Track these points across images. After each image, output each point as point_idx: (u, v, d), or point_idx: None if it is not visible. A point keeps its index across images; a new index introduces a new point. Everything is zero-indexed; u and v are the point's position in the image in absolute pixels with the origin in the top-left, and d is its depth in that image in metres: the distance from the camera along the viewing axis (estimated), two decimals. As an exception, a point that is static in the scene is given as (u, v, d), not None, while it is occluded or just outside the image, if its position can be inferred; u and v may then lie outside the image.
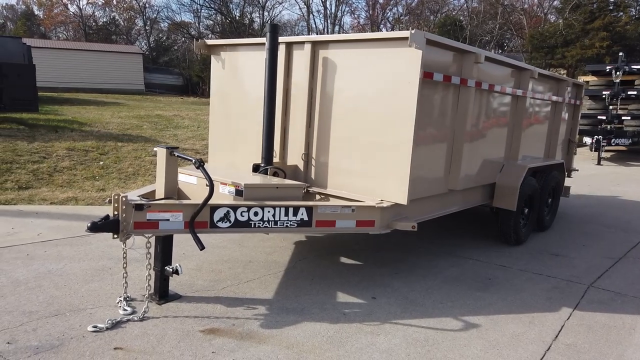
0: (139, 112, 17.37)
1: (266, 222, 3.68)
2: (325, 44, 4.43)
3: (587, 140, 15.19)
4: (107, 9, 50.47)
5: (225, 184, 3.91)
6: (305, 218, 3.77)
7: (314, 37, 4.78)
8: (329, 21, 47.42)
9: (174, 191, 3.82)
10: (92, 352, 3.02)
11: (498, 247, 5.75)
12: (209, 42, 5.37)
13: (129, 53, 34.65)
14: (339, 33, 41.01)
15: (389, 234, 4.17)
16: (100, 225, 3.29)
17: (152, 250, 3.60)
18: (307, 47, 4.46)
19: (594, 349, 3.44)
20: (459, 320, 3.76)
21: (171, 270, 3.68)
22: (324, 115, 4.49)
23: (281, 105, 4.68)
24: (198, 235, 3.48)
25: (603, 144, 14.82)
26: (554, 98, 6.49)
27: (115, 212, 3.35)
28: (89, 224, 3.26)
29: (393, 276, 4.61)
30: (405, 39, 3.74)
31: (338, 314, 3.75)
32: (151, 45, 48.66)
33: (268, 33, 4.39)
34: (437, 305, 4.03)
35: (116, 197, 3.35)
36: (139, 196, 3.83)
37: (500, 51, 41.76)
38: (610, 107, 15.56)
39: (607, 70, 15.78)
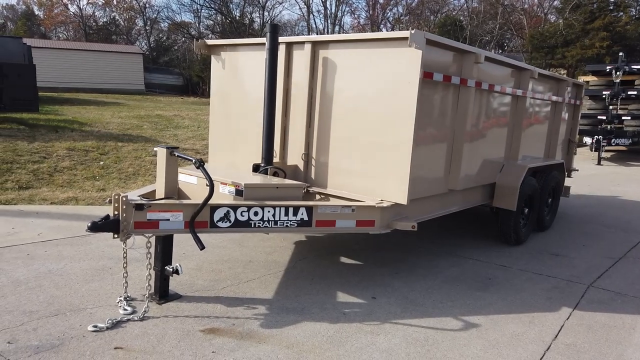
0: (139, 112, 17.38)
1: (266, 222, 3.68)
2: (325, 44, 4.43)
3: (587, 140, 15.20)
4: (107, 9, 50.53)
5: (226, 184, 3.92)
6: (305, 218, 3.77)
7: (314, 37, 4.79)
8: (329, 21, 47.45)
9: (174, 191, 3.82)
10: (93, 352, 3.02)
11: (498, 247, 5.76)
12: (209, 42, 5.37)
13: (129, 53, 34.66)
14: (339, 33, 41.01)
15: (389, 233, 4.18)
16: (101, 225, 3.29)
17: (152, 250, 3.60)
18: (307, 47, 4.47)
19: (594, 349, 3.44)
20: (459, 320, 3.76)
21: (171, 270, 3.69)
22: (324, 115, 4.49)
23: (281, 106, 4.69)
24: (198, 235, 3.49)
25: (603, 144, 14.82)
26: (554, 98, 6.49)
27: (116, 212, 3.36)
28: (89, 224, 3.26)
29: (393, 276, 4.61)
30: (405, 39, 3.75)
31: (338, 314, 3.75)
32: (151, 45, 48.68)
33: (268, 33, 4.39)
34: (437, 305, 4.03)
35: (116, 197, 3.35)
36: (139, 196, 3.83)
37: (500, 51, 41.77)
38: (611, 107, 15.56)
39: (607, 70, 15.78)
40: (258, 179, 4.25)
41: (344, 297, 4.09)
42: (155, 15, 51.01)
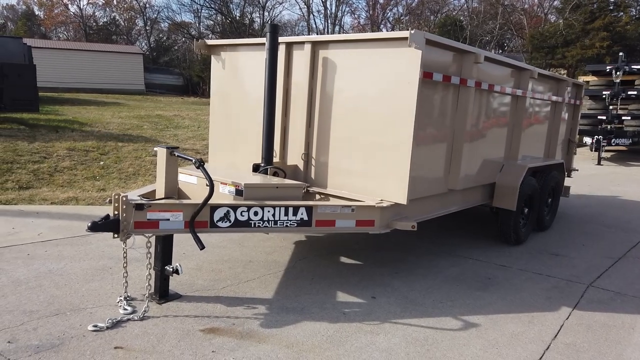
0: (140, 112, 17.39)
1: (266, 222, 3.69)
2: (325, 44, 4.44)
3: (587, 140, 15.20)
4: (107, 9, 50.57)
5: (226, 184, 3.92)
6: (305, 218, 3.78)
7: (314, 37, 4.79)
8: (329, 21, 47.46)
9: (174, 191, 3.83)
10: (93, 351, 3.03)
11: (498, 246, 5.76)
12: (209, 42, 5.37)
13: (129, 53, 34.67)
14: (339, 33, 41.01)
15: (388, 233, 4.18)
16: (101, 225, 3.29)
17: (152, 249, 3.61)
18: (307, 47, 4.47)
19: (593, 348, 3.45)
20: (459, 320, 3.77)
21: (171, 269, 3.69)
22: (324, 115, 4.50)
23: (281, 105, 4.69)
24: (198, 234, 3.49)
25: (603, 144, 14.83)
26: (554, 98, 6.49)
27: (116, 212, 3.36)
28: (89, 224, 3.27)
29: (393, 276, 4.62)
30: (405, 39, 3.75)
31: (338, 314, 3.76)
32: (151, 46, 48.69)
33: (268, 33, 4.39)
34: (437, 304, 4.04)
35: (116, 196, 3.36)
36: (139, 196, 3.84)
37: (500, 51, 41.76)
38: (611, 107, 15.57)
39: (607, 70, 15.79)
40: (258, 178, 4.26)
41: (344, 296, 4.09)
42: (155, 15, 51.12)
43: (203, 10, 47.21)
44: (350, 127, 4.34)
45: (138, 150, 9.96)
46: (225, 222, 3.60)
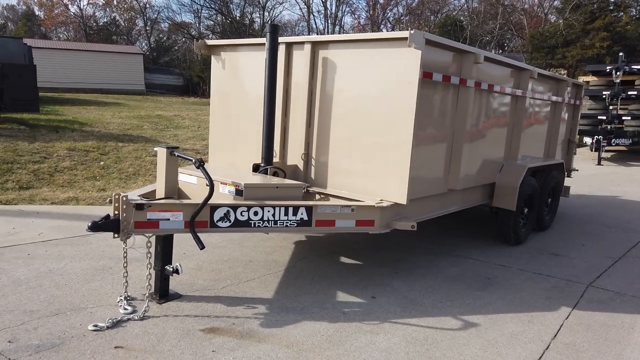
0: (140, 112, 17.40)
1: (266, 222, 3.69)
2: (325, 44, 4.44)
3: (588, 140, 15.20)
4: (107, 9, 50.58)
5: (226, 184, 3.93)
6: (305, 218, 3.78)
7: (314, 37, 4.80)
8: (329, 21, 47.47)
9: (174, 191, 3.84)
10: (93, 351, 3.03)
11: (498, 246, 5.77)
12: (210, 42, 5.38)
13: (129, 53, 34.67)
14: (339, 33, 41.02)
15: (388, 233, 4.19)
16: (101, 225, 3.30)
17: (152, 249, 3.61)
18: (307, 47, 4.48)
19: (593, 348, 3.45)
20: (458, 320, 3.77)
21: (171, 269, 3.70)
22: (323, 115, 4.50)
23: (281, 105, 4.70)
24: (198, 234, 3.50)
25: (603, 144, 14.83)
26: (554, 98, 6.50)
27: (116, 212, 3.37)
28: (89, 224, 3.28)
29: (393, 275, 4.62)
30: (405, 39, 3.76)
31: (338, 313, 3.76)
32: (152, 46, 48.71)
33: (268, 33, 4.40)
34: (437, 304, 4.04)
35: (117, 196, 3.36)
36: (139, 196, 3.85)
37: (500, 51, 41.76)
38: (611, 107, 15.56)
39: (608, 70, 15.79)
40: (258, 178, 4.26)
41: (344, 296, 4.10)
42: (155, 15, 51.12)
43: (203, 11, 47.29)
44: (350, 127, 4.34)
45: (138, 151, 9.97)
46: (225, 222, 3.61)
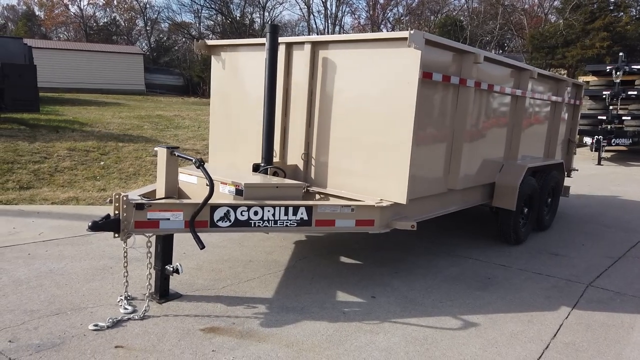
0: (140, 112, 17.40)
1: (266, 222, 3.70)
2: (324, 44, 4.45)
3: (588, 140, 15.21)
4: (107, 9, 50.60)
5: (226, 184, 3.93)
6: (305, 217, 3.79)
7: (314, 37, 4.81)
8: (329, 21, 47.46)
9: (174, 191, 3.84)
10: (93, 351, 3.04)
11: (498, 246, 5.77)
12: (210, 42, 5.39)
13: (129, 53, 34.67)
14: (339, 33, 41.03)
15: (388, 233, 4.19)
16: (101, 225, 3.31)
17: (152, 249, 3.62)
18: (307, 48, 4.48)
19: (592, 348, 3.46)
20: (458, 319, 3.78)
21: (172, 269, 3.70)
22: (323, 115, 4.51)
23: (281, 105, 4.70)
24: (198, 234, 3.51)
25: (603, 144, 14.84)
26: (554, 98, 6.50)
27: (116, 212, 3.38)
28: (90, 223, 3.28)
29: (393, 275, 4.63)
30: (405, 39, 3.76)
31: (338, 313, 3.77)
32: (152, 46, 48.71)
33: (268, 33, 4.41)
34: (437, 304, 4.05)
35: (117, 196, 3.37)
36: (139, 196, 3.85)
37: (500, 51, 41.76)
38: (611, 107, 15.57)
39: (608, 70, 15.79)
40: (258, 178, 4.27)
41: (344, 296, 4.10)
42: (155, 15, 51.13)
43: (203, 11, 47.29)
44: (350, 127, 4.35)
45: (138, 151, 9.98)
46: (226, 221, 3.61)
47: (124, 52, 35.03)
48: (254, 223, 3.67)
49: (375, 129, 4.17)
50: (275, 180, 4.32)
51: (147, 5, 51.09)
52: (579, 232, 6.70)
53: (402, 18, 47.54)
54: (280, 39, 4.55)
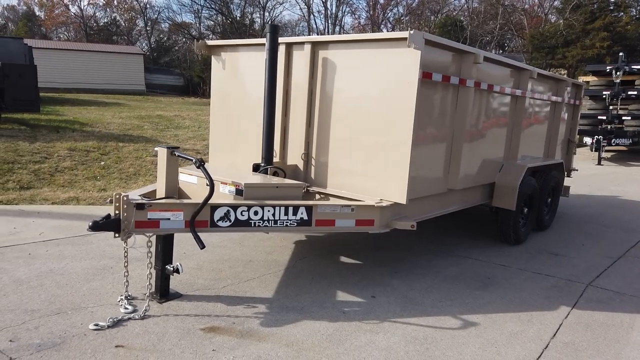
0: (140, 112, 17.41)
1: (266, 222, 3.70)
2: (324, 44, 4.45)
3: (588, 140, 15.21)
4: (108, 9, 50.62)
5: (226, 184, 3.94)
6: (305, 217, 3.79)
7: (314, 37, 4.81)
8: (329, 21, 47.48)
9: (174, 191, 3.85)
10: (94, 350, 3.04)
11: (497, 246, 5.78)
12: (210, 42, 5.40)
13: (129, 54, 34.69)
14: (339, 33, 41.03)
15: (388, 233, 4.20)
16: (102, 225, 3.32)
17: (153, 249, 3.63)
18: (307, 48, 4.49)
19: (592, 347, 3.46)
20: (458, 319, 3.78)
21: (172, 269, 3.71)
22: (323, 115, 4.52)
23: (281, 106, 4.71)
24: (198, 234, 3.51)
25: (603, 144, 14.84)
26: (554, 98, 6.51)
27: (117, 212, 3.38)
28: (90, 223, 3.29)
29: (392, 275, 4.63)
30: (404, 39, 3.77)
31: (338, 313, 3.78)
32: (152, 46, 48.73)
33: (268, 34, 4.41)
34: (436, 303, 4.05)
35: (117, 196, 3.38)
36: (140, 195, 3.85)
37: (500, 51, 41.77)
38: (611, 107, 15.57)
39: (608, 70, 15.79)
40: (258, 178, 4.27)
41: (344, 296, 4.11)
42: (155, 15, 51.16)
43: (203, 11, 47.32)
44: (350, 127, 4.36)
45: (139, 151, 9.98)
46: (226, 221, 3.62)
47: (124, 52, 35.05)
48: (254, 223, 3.68)
49: (375, 129, 4.18)
50: (275, 180, 4.33)
51: (148, 6, 51.19)
52: (578, 232, 6.71)
53: (402, 18, 47.56)
54: (280, 39, 4.56)
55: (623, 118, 15.63)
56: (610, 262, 5.41)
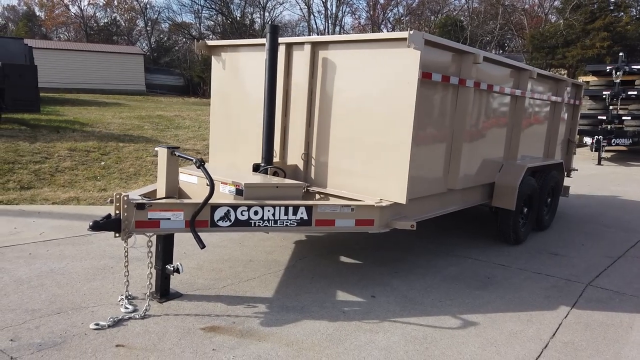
0: (140, 112, 17.42)
1: (266, 221, 3.71)
2: (324, 44, 4.46)
3: (588, 140, 15.21)
4: (108, 9, 50.64)
5: (226, 184, 3.95)
6: (305, 217, 3.80)
7: (314, 37, 4.82)
8: (329, 22, 47.48)
9: (175, 190, 3.86)
10: (94, 349, 3.05)
11: (497, 246, 5.78)
12: (210, 42, 5.41)
13: (130, 54, 34.71)
14: (339, 34, 41.04)
15: (388, 233, 4.20)
16: (102, 225, 3.32)
17: (153, 249, 3.63)
18: (307, 48, 4.50)
19: (591, 347, 3.47)
20: (458, 319, 3.79)
21: (172, 269, 3.71)
22: (323, 115, 4.52)
23: (281, 106, 4.72)
24: (199, 234, 3.52)
25: (603, 144, 14.84)
26: (553, 98, 6.51)
27: (117, 212, 3.39)
28: (91, 223, 3.30)
29: (392, 275, 4.64)
30: (404, 39, 3.78)
31: (337, 312, 3.78)
32: (152, 46, 48.74)
33: (268, 34, 4.42)
34: (436, 303, 4.06)
35: (118, 196, 3.38)
36: (140, 195, 3.86)
37: (500, 51, 41.77)
38: (611, 107, 15.57)
39: (608, 70, 15.79)
40: (258, 178, 4.28)
41: (344, 295, 4.12)
42: (156, 16, 51.19)
43: (203, 11, 47.32)
44: (349, 127, 4.36)
45: (139, 151, 9.99)
46: (226, 221, 3.63)
47: (125, 52, 35.06)
48: (254, 223, 3.69)
49: (375, 129, 4.19)
50: (275, 180, 4.34)
51: (148, 6, 51.21)
52: (578, 232, 6.72)
53: (402, 18, 47.56)
54: (280, 39, 4.56)
55: (623, 118, 15.63)
56: (610, 262, 5.42)
